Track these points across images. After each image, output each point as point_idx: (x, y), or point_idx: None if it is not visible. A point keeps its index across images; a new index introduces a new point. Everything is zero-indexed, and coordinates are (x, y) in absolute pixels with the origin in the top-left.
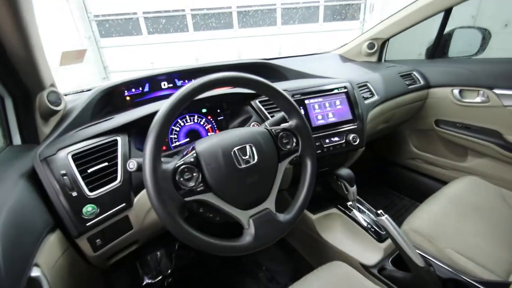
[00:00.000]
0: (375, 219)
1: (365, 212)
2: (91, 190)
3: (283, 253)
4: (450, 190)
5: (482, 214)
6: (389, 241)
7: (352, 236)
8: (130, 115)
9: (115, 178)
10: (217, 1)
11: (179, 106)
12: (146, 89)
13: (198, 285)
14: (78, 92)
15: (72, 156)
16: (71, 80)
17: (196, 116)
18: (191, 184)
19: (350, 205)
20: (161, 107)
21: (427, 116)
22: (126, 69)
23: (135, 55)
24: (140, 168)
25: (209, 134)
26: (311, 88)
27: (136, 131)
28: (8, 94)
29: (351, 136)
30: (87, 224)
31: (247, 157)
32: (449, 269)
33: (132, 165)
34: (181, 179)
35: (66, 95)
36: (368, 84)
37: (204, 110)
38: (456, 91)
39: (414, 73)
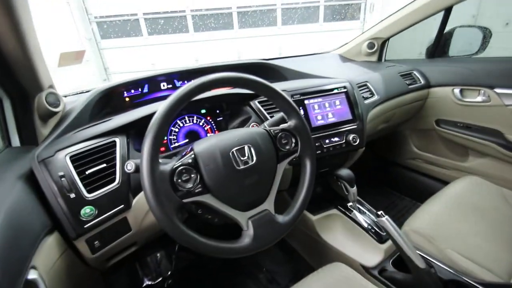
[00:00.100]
0: (375, 220)
1: (365, 213)
2: (89, 191)
3: (283, 254)
4: (451, 190)
5: (484, 215)
6: (389, 242)
7: (352, 237)
8: (129, 116)
9: (113, 180)
10: (217, 1)
11: (177, 107)
12: (145, 90)
13: (198, 286)
14: (77, 94)
15: (70, 157)
16: (73, 81)
17: (195, 117)
18: (189, 185)
19: (350, 205)
20: (159, 108)
21: (428, 115)
22: (127, 70)
23: (136, 56)
24: (138, 169)
25: (208, 134)
26: (311, 88)
27: (134, 132)
28: (6, 96)
29: (351, 136)
30: (85, 226)
31: (245, 158)
32: (450, 270)
33: (130, 166)
34: (179, 180)
35: (65, 96)
36: (368, 84)
37: (203, 111)
38: (456, 90)
39: (414, 72)
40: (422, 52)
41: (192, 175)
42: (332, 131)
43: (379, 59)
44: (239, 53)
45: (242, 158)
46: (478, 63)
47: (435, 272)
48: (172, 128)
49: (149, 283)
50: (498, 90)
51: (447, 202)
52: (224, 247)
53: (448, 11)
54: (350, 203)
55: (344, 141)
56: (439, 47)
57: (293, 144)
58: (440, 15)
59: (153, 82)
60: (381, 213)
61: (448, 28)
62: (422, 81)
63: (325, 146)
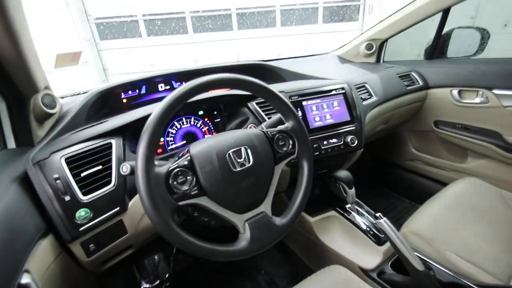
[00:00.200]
0: (374, 221)
1: (364, 214)
2: (84, 194)
3: (282, 256)
4: (449, 192)
5: (483, 216)
6: (388, 244)
7: (351, 239)
8: (125, 117)
9: (109, 182)
10: (216, 3)
11: (172, 108)
12: (143, 91)
13: None
14: (74, 95)
15: (66, 159)
16: (72, 82)
17: (192, 118)
18: (185, 187)
19: (349, 207)
20: (154, 109)
21: (426, 117)
22: (126, 71)
23: (135, 57)
24: (133, 171)
25: (206, 136)
26: (309, 89)
27: (131, 133)
28: (1, 97)
29: (349, 138)
30: (80, 229)
31: (242, 159)
32: (449, 272)
33: (125, 168)
34: (175, 182)
35: (62, 97)
36: (366, 85)
37: (201, 112)
38: (455, 91)
39: (413, 73)
40: (420, 53)
41: (188, 177)
42: (330, 132)
43: (378, 60)
44: (238, 55)
45: (238, 160)
46: (476, 64)
47: (434, 274)
48: (170, 130)
49: (147, 286)
50: (496, 91)
51: (446, 204)
52: (220, 250)
53: (446, 12)
54: (349, 205)
55: (342, 142)
56: (437, 48)
57: (290, 146)
58: (438, 16)
59: (150, 83)
60: (379, 215)
61: (446, 29)
62: (421, 82)
63: (323, 147)
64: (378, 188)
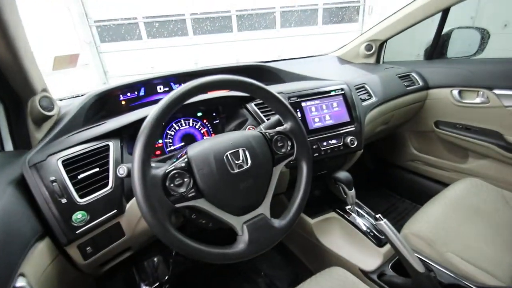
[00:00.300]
0: (374, 223)
1: (364, 216)
2: (81, 196)
3: (282, 257)
4: (450, 192)
5: (484, 217)
6: (389, 245)
7: (351, 240)
8: (122, 119)
9: (106, 184)
10: (216, 4)
11: (169, 110)
12: (142, 93)
13: None
14: (73, 97)
15: (63, 162)
16: (72, 85)
17: (191, 120)
18: (182, 190)
19: (349, 209)
20: (150, 112)
21: (427, 117)
22: (127, 73)
23: (135, 59)
24: (130, 173)
25: (204, 137)
26: (308, 90)
27: (128, 135)
28: None
29: (348, 139)
30: (77, 232)
31: (240, 161)
32: (450, 274)
33: (122, 170)
34: (172, 185)
35: (61, 100)
36: (366, 86)
37: (199, 114)
38: (455, 92)
39: (413, 74)
40: (420, 54)
41: (185, 179)
42: (329, 133)
43: (377, 61)
44: (237, 56)
45: (236, 162)
46: (476, 64)
47: (435, 276)
48: (168, 131)
49: None
50: (497, 91)
51: (447, 205)
52: (218, 252)
53: (445, 12)
54: (349, 206)
55: (342, 143)
56: (437, 48)
57: (289, 147)
58: (438, 16)
59: (149, 85)
60: (379, 217)
61: (446, 29)
62: (421, 83)
63: (322, 148)
64: (378, 189)
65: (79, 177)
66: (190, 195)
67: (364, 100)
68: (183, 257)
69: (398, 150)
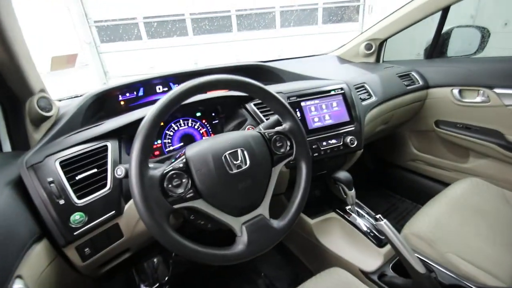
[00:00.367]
0: (374, 223)
1: (364, 216)
2: (79, 197)
3: (282, 258)
4: (451, 192)
5: (485, 217)
6: (389, 246)
7: (351, 241)
8: (121, 120)
9: (104, 185)
10: (216, 4)
11: (167, 111)
12: (141, 93)
13: None
14: (72, 97)
15: (60, 163)
16: (72, 85)
17: (190, 120)
18: (180, 190)
19: (349, 209)
20: (148, 112)
21: (427, 116)
22: (127, 74)
23: (135, 60)
24: (128, 174)
25: (203, 138)
26: (307, 90)
27: (127, 136)
28: None
29: (348, 138)
30: (75, 233)
31: (238, 161)
32: (451, 274)
33: (120, 171)
34: (170, 185)
35: (60, 100)
36: (366, 85)
37: (198, 114)
38: (455, 91)
39: (413, 73)
40: (420, 53)
41: (184, 180)
42: (329, 133)
43: (377, 60)
44: (237, 56)
45: (235, 162)
46: (477, 63)
47: (436, 276)
48: (167, 132)
49: None
50: (497, 90)
51: (447, 204)
52: (216, 254)
53: (445, 11)
54: (349, 206)
55: (341, 143)
56: (437, 47)
57: (288, 147)
58: (438, 15)
59: (148, 85)
60: (380, 217)
61: (446, 28)
62: (421, 82)
63: (322, 148)
64: (378, 189)
65: (77, 178)
66: (188, 196)
67: (363, 99)
68: (183, 258)
69: (398, 150)
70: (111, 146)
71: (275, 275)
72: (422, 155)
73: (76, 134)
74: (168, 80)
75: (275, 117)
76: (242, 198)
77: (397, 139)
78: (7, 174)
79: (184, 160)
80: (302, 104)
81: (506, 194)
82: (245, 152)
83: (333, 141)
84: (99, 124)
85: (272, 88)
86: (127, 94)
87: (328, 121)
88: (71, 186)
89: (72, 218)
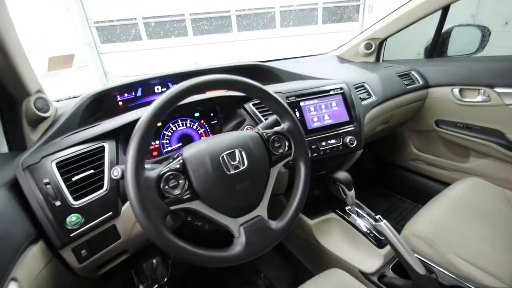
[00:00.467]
0: (374, 224)
1: (364, 216)
2: (75, 199)
3: (281, 259)
4: (452, 192)
5: (486, 217)
6: (389, 246)
7: (350, 241)
8: (118, 120)
9: (101, 186)
10: (216, 4)
11: (163, 111)
12: (139, 93)
13: None
14: (70, 98)
15: (56, 164)
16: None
17: (188, 121)
18: (177, 191)
19: (349, 209)
20: (144, 112)
21: (427, 116)
22: (126, 74)
23: (135, 60)
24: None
25: (202, 138)
26: (306, 89)
27: (124, 137)
28: None
29: (348, 138)
30: (71, 235)
31: (236, 162)
32: (452, 275)
33: (116, 172)
34: (166, 186)
35: (58, 101)
36: (365, 85)
37: (197, 114)
38: (456, 90)
39: (413, 72)
40: (420, 52)
41: (180, 181)
42: (328, 133)
43: (377, 59)
44: (237, 56)
45: (232, 163)
46: (477, 63)
47: (436, 277)
48: (165, 132)
49: None
50: (498, 90)
51: (448, 205)
52: (214, 255)
53: (445, 10)
54: (348, 207)
55: (341, 143)
56: (437, 46)
57: (286, 148)
58: (438, 14)
59: (146, 85)
60: (379, 217)
61: (446, 27)
62: (421, 81)
63: (321, 148)
64: (378, 189)
65: (73, 179)
66: (185, 197)
67: (363, 99)
68: (182, 259)
69: (398, 150)
70: (108, 147)
71: (275, 276)
72: (422, 155)
73: (73, 135)
74: (167, 80)
75: (273, 117)
76: (240, 199)
77: (397, 139)
78: (3, 175)
79: (181, 161)
80: (301, 104)
81: (507, 194)
82: (243, 153)
83: (333, 141)
84: (96, 125)
85: (271, 88)
86: (125, 95)
87: (328, 121)
88: (68, 187)
89: (68, 219)
